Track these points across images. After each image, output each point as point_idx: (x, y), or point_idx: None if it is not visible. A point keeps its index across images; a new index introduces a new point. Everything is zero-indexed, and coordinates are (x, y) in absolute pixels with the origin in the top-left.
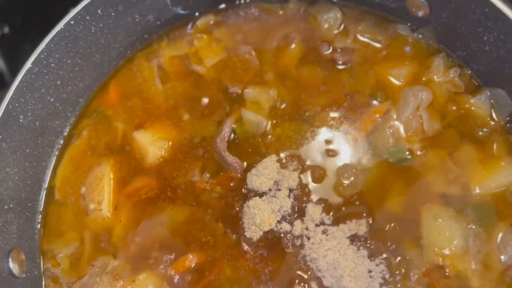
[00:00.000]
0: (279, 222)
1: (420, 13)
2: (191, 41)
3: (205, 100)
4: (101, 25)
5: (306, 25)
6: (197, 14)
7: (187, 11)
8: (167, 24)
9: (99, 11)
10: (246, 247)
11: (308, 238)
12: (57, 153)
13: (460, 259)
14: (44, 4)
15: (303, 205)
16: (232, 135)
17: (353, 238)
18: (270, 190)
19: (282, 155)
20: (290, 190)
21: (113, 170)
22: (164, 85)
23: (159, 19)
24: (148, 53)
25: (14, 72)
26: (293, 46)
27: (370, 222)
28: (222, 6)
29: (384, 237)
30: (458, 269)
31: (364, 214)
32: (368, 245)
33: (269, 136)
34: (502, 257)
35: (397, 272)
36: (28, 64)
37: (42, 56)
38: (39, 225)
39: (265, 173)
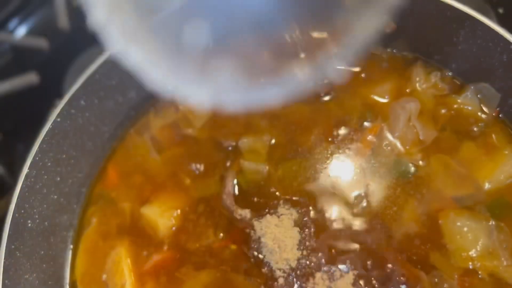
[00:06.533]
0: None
1: (388, 30)
2: (176, 107)
3: (203, 160)
4: (87, 114)
5: None
6: None
7: None
8: (151, 96)
9: (82, 102)
10: None
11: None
12: (71, 246)
13: (489, 258)
14: (30, 102)
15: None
16: (237, 187)
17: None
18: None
19: (288, 195)
20: (303, 225)
21: (129, 251)
22: (160, 155)
23: (141, 94)
24: (138, 128)
25: (12, 174)
26: None
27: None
28: None
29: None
30: (490, 269)
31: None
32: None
33: (273, 180)
34: None
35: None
36: (25, 170)
37: (37, 158)
38: None
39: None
